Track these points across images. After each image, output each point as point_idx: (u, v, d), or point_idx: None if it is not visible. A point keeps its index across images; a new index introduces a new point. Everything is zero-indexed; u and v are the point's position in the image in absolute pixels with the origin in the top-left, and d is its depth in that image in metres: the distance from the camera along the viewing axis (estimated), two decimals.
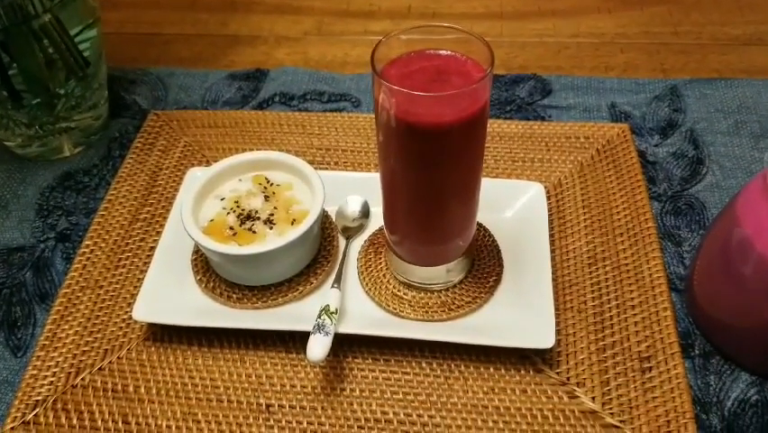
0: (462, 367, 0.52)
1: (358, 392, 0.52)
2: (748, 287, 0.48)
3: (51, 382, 0.53)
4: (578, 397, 0.50)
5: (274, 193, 0.58)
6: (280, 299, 0.55)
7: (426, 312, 0.54)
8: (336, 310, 0.52)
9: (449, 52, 0.46)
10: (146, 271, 0.57)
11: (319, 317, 0.51)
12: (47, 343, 0.55)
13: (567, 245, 0.59)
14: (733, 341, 0.52)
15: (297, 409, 0.51)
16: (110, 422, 0.51)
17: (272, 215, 0.56)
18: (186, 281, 0.57)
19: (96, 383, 0.53)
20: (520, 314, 0.53)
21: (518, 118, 0.72)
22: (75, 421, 0.51)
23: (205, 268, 0.57)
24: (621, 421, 0.49)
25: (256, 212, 0.56)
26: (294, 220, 0.55)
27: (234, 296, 0.55)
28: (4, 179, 0.69)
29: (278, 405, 0.51)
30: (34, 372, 0.54)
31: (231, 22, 0.89)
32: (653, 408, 0.49)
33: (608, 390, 0.51)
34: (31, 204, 0.67)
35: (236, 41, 0.85)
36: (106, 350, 0.55)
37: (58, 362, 0.54)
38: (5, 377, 0.54)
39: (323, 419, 0.50)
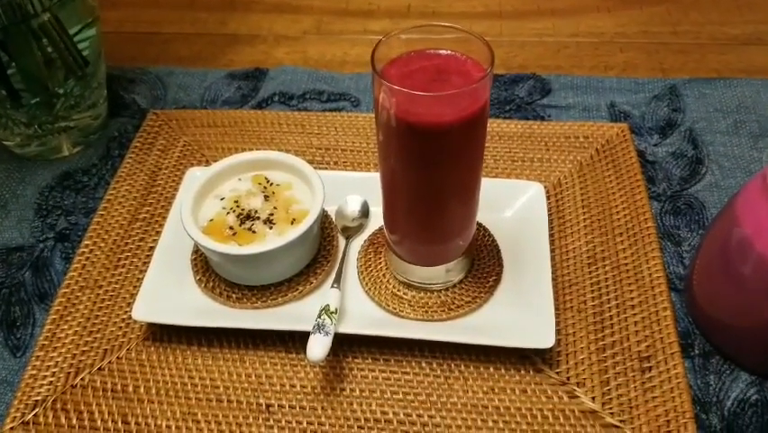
0: (462, 367, 0.52)
1: (358, 392, 0.52)
2: (748, 287, 0.48)
3: (51, 382, 0.53)
4: (578, 397, 0.50)
5: (274, 193, 0.58)
6: (280, 299, 0.55)
7: (426, 312, 0.54)
8: (336, 310, 0.52)
9: (449, 52, 0.46)
10: (145, 271, 0.57)
11: (319, 316, 0.51)
12: (46, 343, 0.55)
13: (567, 245, 0.60)
14: (732, 341, 0.52)
15: (297, 409, 0.51)
16: (110, 422, 0.51)
17: (272, 214, 0.56)
18: (185, 281, 0.57)
19: (96, 383, 0.53)
20: (520, 314, 0.53)
21: (518, 118, 0.72)
22: (74, 421, 0.51)
23: (205, 268, 0.57)
24: (621, 421, 0.49)
25: (256, 212, 0.56)
26: (294, 220, 0.55)
27: (234, 296, 0.55)
28: (3, 178, 0.69)
29: (278, 405, 0.51)
30: (34, 372, 0.53)
31: (230, 21, 0.88)
32: (653, 407, 0.49)
33: (608, 389, 0.51)
34: (30, 204, 0.67)
35: (235, 41, 0.85)
36: (106, 350, 0.55)
37: (57, 362, 0.54)
38: (5, 377, 0.54)
39: (323, 419, 0.50)
